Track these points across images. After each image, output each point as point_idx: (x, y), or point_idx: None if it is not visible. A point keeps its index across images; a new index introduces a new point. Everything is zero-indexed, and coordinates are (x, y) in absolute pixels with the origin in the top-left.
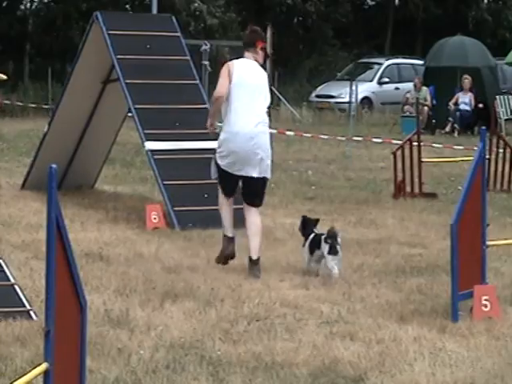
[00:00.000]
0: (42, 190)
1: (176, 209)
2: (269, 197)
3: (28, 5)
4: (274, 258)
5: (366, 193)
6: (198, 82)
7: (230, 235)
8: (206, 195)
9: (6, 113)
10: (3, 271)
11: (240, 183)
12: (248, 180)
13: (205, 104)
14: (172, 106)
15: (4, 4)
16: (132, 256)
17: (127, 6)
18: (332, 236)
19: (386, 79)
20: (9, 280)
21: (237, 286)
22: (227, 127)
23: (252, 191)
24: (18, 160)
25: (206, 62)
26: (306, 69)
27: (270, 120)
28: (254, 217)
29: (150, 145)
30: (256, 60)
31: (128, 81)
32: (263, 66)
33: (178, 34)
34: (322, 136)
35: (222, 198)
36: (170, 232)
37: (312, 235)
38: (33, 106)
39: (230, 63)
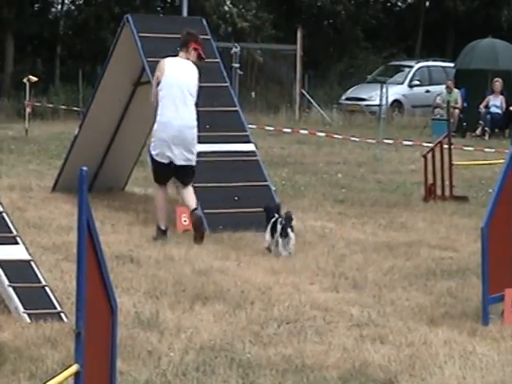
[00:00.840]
0: (73, 193)
1: (206, 211)
2: (299, 199)
3: (59, 7)
4: (303, 260)
5: (396, 196)
6: (228, 84)
7: (163, 228)
8: (236, 198)
9: (36, 115)
10: (34, 273)
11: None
12: (178, 167)
13: (235, 107)
14: (202, 109)
15: (36, 6)
16: (162, 258)
17: (158, 9)
18: (285, 219)
19: (417, 82)
20: (40, 282)
21: (267, 289)
22: (159, 119)
23: (183, 176)
24: (48, 162)
25: (237, 65)
26: (337, 71)
27: (294, 121)
28: (188, 189)
29: None
30: (188, 59)
31: None
32: (197, 64)
33: (209, 36)
34: (353, 139)
35: (158, 190)
36: None
37: (273, 220)
38: (63, 108)
39: (162, 61)
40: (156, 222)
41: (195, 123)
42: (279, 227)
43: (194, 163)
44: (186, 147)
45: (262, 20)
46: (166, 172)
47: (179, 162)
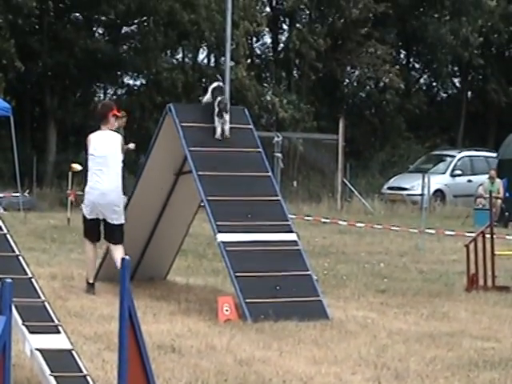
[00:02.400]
0: (115, 282)
1: (248, 301)
2: (340, 289)
3: (102, 96)
4: (345, 350)
5: (438, 286)
6: (270, 174)
7: (90, 281)
8: (277, 287)
9: (79, 204)
10: (75, 362)
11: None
12: (106, 226)
13: (277, 196)
14: (244, 198)
15: (78, 96)
16: (204, 348)
17: (200, 98)
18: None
19: (459, 171)
20: (81, 371)
21: (308, 379)
22: (88, 185)
23: (109, 233)
24: None
25: (279, 154)
26: (379, 161)
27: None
28: (114, 250)
29: (222, 236)
30: (110, 129)
31: (200, 173)
32: (117, 130)
33: (251, 126)
34: (394, 228)
35: (87, 245)
36: (241, 324)
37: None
38: None
39: (89, 137)
40: (86, 276)
41: (119, 185)
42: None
43: (119, 222)
44: (111, 207)
45: (303, 112)
46: (94, 228)
47: (106, 219)
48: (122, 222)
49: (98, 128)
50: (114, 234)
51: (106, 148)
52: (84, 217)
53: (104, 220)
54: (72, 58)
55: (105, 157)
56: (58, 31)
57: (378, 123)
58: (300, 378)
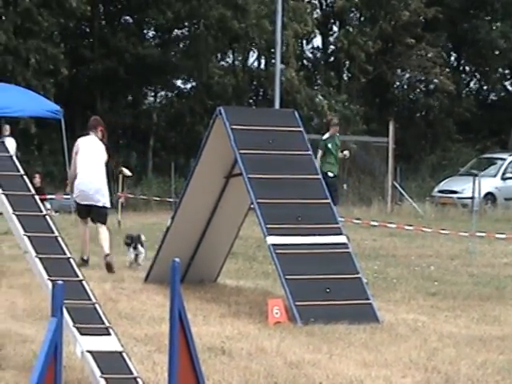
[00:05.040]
0: (165, 284)
1: (298, 303)
2: (390, 292)
3: (152, 99)
4: (395, 353)
5: (489, 289)
6: (320, 176)
7: (85, 258)
8: (327, 290)
9: (129, 206)
10: (126, 364)
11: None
12: (93, 208)
13: (327, 199)
14: (294, 201)
15: (129, 98)
16: (254, 350)
17: (251, 101)
18: (136, 239)
19: (510, 174)
20: (131, 373)
21: (358, 382)
22: (78, 177)
23: (95, 215)
24: None
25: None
26: (429, 164)
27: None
28: (101, 229)
29: (272, 239)
30: (97, 136)
31: (251, 175)
32: (102, 140)
33: (301, 128)
34: (445, 231)
35: (80, 225)
36: (292, 326)
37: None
38: (156, 199)
39: (77, 141)
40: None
41: (100, 178)
42: (132, 246)
43: (102, 204)
44: (94, 194)
45: (353, 113)
46: (83, 210)
47: (93, 202)
48: (104, 205)
49: (87, 134)
50: (98, 215)
51: (92, 151)
52: (76, 202)
53: (92, 205)
54: (122, 63)
55: (91, 156)
56: (108, 36)
57: (428, 126)
58: (350, 381)
